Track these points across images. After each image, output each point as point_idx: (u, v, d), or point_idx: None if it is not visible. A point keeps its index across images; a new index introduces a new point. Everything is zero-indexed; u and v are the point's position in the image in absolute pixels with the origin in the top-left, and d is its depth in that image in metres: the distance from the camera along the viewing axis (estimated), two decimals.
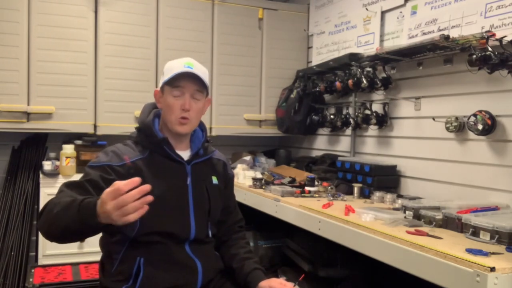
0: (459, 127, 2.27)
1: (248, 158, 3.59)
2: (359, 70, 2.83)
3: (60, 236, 1.36)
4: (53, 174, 3.16)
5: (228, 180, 1.80)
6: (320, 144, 3.63)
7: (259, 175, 2.97)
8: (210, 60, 3.55)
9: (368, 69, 2.80)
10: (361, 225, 1.85)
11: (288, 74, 3.73)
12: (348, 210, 2.11)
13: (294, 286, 1.58)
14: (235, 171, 3.15)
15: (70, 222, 1.28)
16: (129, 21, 3.30)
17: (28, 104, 3.05)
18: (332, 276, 2.45)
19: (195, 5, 3.49)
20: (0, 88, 2.98)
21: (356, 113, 3.00)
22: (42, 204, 3.11)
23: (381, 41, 2.93)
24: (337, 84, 3.00)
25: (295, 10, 3.82)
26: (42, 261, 3.01)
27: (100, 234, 1.65)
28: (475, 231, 1.66)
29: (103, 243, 1.63)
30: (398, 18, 2.79)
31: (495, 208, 1.94)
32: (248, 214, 2.06)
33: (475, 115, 2.13)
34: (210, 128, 3.54)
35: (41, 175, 3.16)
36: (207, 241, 1.67)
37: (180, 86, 1.60)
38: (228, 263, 1.72)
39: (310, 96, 3.44)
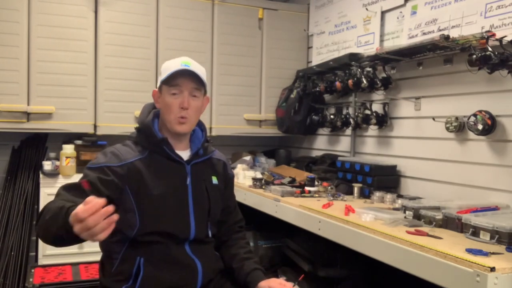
0: (459, 127, 2.27)
1: (248, 158, 3.59)
2: (359, 70, 2.83)
3: (54, 242, 1.36)
4: (53, 174, 3.16)
5: (228, 180, 1.80)
6: (320, 144, 3.63)
7: (259, 175, 2.97)
8: (210, 60, 3.55)
9: (368, 69, 2.80)
10: (361, 225, 1.85)
11: (288, 74, 3.73)
12: (348, 210, 2.11)
13: (294, 286, 1.58)
14: (235, 171, 3.15)
15: (58, 230, 1.27)
16: (129, 21, 3.30)
17: (28, 104, 3.05)
18: (332, 276, 2.46)
19: (195, 5, 3.49)
20: (0, 88, 2.98)
21: (356, 113, 3.00)
22: (42, 204, 3.11)
23: (381, 41, 2.93)
24: (337, 84, 3.00)
25: (295, 10, 3.82)
26: (42, 261, 3.01)
27: None
28: (475, 231, 1.66)
29: (103, 243, 1.62)
30: (398, 18, 2.79)
31: (495, 208, 1.94)
32: (248, 214, 2.06)
33: (475, 115, 2.13)
34: (210, 128, 3.54)
35: (41, 175, 3.16)
36: (207, 241, 1.67)
37: (177, 85, 1.60)
38: (228, 263, 1.72)
39: (310, 96, 3.44)
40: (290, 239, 2.82)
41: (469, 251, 1.45)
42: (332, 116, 3.22)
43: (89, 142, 3.30)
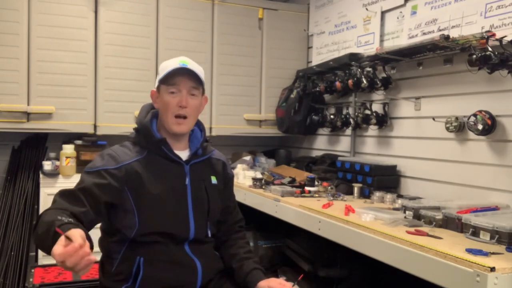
0: (459, 127, 2.27)
1: (248, 158, 3.59)
2: (359, 70, 2.83)
3: (49, 254, 1.36)
4: (53, 174, 3.16)
5: (227, 180, 1.80)
6: (320, 144, 3.63)
7: (259, 175, 2.97)
8: (210, 60, 3.55)
9: (368, 69, 2.80)
10: (361, 225, 1.85)
11: (288, 74, 3.73)
12: (348, 210, 2.11)
13: (293, 286, 1.58)
14: (235, 171, 3.15)
15: (49, 249, 1.27)
16: (129, 21, 3.30)
17: (28, 104, 3.05)
18: (332, 276, 2.45)
19: (195, 5, 3.49)
20: (0, 88, 2.98)
21: (356, 113, 3.00)
22: (42, 204, 3.11)
23: (381, 41, 2.93)
24: (337, 84, 2.99)
25: (295, 10, 3.82)
26: (42, 261, 3.01)
27: (100, 234, 1.65)
28: (475, 231, 1.66)
29: (102, 243, 1.63)
30: (398, 18, 2.79)
31: (495, 208, 1.94)
32: (248, 214, 2.06)
33: (475, 115, 2.13)
34: (210, 128, 3.54)
35: (41, 175, 3.16)
36: (206, 241, 1.67)
37: (176, 84, 1.59)
38: (227, 263, 1.72)
39: (310, 96, 3.44)
40: (290, 239, 2.82)
41: (469, 251, 1.45)
42: (332, 116, 3.22)
43: (89, 142, 3.30)
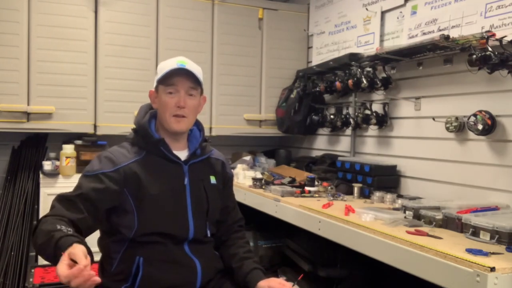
0: (459, 127, 2.27)
1: (248, 158, 3.59)
2: (359, 70, 2.83)
3: (50, 263, 1.37)
4: (53, 174, 3.15)
5: (227, 179, 1.80)
6: (320, 144, 3.63)
7: (259, 175, 2.97)
8: (210, 60, 3.55)
9: (368, 69, 2.80)
10: (361, 225, 1.85)
11: (288, 74, 3.73)
12: (348, 210, 2.11)
13: (293, 286, 1.58)
14: (235, 171, 3.15)
15: (49, 259, 1.31)
16: (129, 21, 3.30)
17: (28, 104, 3.05)
18: (332, 276, 2.45)
19: (195, 5, 3.49)
20: (0, 88, 2.98)
21: (356, 113, 3.00)
22: (42, 204, 3.11)
23: (381, 41, 2.93)
24: (337, 84, 2.99)
25: (295, 10, 3.82)
26: (42, 261, 3.00)
27: (99, 234, 1.65)
28: (475, 231, 1.66)
29: (102, 243, 1.63)
30: (398, 18, 2.79)
31: (495, 208, 1.94)
32: (248, 214, 2.06)
33: (475, 115, 2.13)
34: (210, 128, 3.54)
35: (41, 175, 3.16)
36: (206, 241, 1.67)
37: (174, 84, 1.59)
38: (227, 262, 1.72)
39: (310, 96, 3.44)
40: (290, 239, 2.82)
41: (469, 251, 1.45)
42: (332, 116, 3.22)
43: (89, 142, 3.30)
